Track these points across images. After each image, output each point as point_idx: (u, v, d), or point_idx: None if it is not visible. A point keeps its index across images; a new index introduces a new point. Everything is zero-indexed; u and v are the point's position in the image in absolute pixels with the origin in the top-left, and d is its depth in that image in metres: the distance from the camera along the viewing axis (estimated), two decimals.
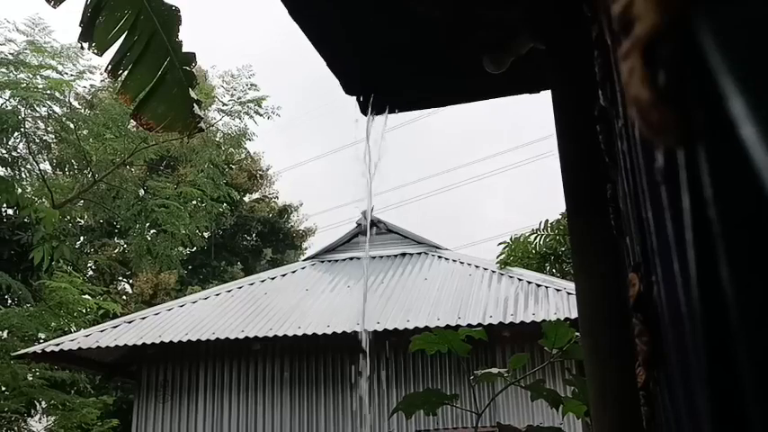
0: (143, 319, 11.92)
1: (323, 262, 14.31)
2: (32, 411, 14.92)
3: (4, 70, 15.52)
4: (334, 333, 10.39)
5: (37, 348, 11.44)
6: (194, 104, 4.01)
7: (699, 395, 0.45)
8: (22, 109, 16.00)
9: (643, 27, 0.35)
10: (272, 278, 13.86)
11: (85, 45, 3.97)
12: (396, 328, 10.13)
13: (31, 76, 15.64)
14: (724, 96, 0.32)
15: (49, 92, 15.84)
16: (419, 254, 13.71)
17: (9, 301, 15.47)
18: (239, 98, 20.18)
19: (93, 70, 16.90)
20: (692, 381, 0.47)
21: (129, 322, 11.77)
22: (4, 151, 16.48)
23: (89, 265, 21.64)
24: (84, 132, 17.45)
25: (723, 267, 0.37)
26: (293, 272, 14.19)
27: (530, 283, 11.58)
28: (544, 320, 9.06)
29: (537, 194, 53.68)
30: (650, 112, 0.36)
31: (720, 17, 0.33)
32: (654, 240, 0.54)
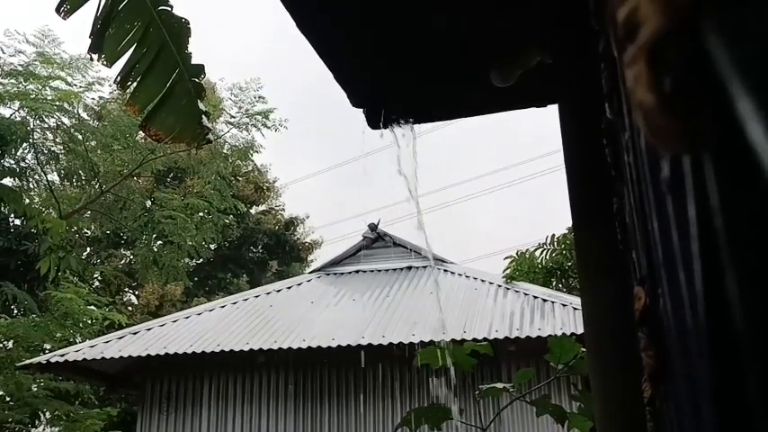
0: (148, 330, 11.92)
1: (328, 275, 14.31)
2: (36, 422, 14.90)
3: (13, 81, 15.62)
4: (338, 346, 10.37)
5: (42, 359, 11.44)
6: (202, 116, 4.02)
7: (705, 410, 0.44)
8: (31, 120, 16.10)
9: (649, 30, 0.34)
10: (278, 290, 13.85)
11: (95, 56, 3.98)
12: (401, 342, 10.10)
13: (40, 87, 15.73)
14: (732, 101, 0.32)
15: (57, 103, 15.94)
16: (425, 267, 13.69)
17: (15, 312, 15.49)
18: (247, 110, 20.28)
19: (101, 82, 17.03)
20: (698, 395, 0.46)
21: (135, 333, 11.77)
22: (12, 162, 16.56)
23: (95, 275, 21.66)
24: (93, 143, 17.55)
25: (730, 279, 0.36)
26: (299, 284, 14.18)
27: (536, 297, 11.54)
28: (550, 335, 9.02)
29: (540, 210, 53.44)
30: (656, 117, 0.35)
31: (730, 20, 0.33)
32: (660, 252, 0.54)
